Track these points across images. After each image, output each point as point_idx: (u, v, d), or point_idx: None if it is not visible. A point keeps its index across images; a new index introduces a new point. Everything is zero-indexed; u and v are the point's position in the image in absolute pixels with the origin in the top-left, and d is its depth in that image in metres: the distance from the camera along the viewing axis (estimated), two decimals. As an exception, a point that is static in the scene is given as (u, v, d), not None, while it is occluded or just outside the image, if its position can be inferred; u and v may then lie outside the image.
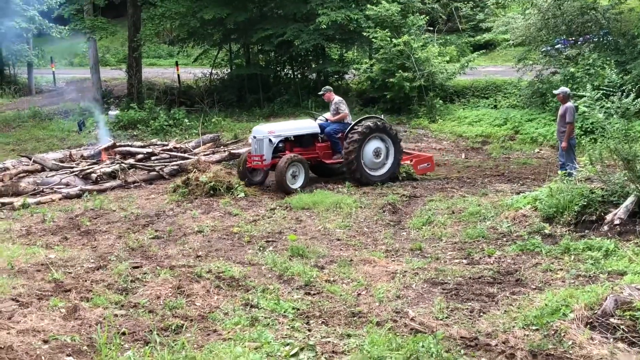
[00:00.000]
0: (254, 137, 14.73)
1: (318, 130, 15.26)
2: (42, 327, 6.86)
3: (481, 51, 27.61)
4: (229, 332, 6.83)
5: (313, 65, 27.39)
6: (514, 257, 9.38)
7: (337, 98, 15.52)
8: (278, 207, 12.96)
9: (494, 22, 25.54)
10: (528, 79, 21.72)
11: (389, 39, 22.70)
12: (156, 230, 11.52)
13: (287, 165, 14.02)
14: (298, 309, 7.59)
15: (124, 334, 6.73)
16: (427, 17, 26.84)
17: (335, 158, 15.10)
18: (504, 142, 19.54)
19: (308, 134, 15.21)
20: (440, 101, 23.23)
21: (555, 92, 14.09)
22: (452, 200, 12.94)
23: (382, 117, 15.87)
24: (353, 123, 14.95)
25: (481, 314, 7.41)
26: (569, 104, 13.44)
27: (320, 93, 16.25)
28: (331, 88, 15.96)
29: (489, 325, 7.02)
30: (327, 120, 15.43)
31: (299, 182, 14.24)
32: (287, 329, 6.97)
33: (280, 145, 14.76)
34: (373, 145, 14.79)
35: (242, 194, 13.82)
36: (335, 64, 26.17)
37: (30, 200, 13.98)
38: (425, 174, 15.68)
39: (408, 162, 15.64)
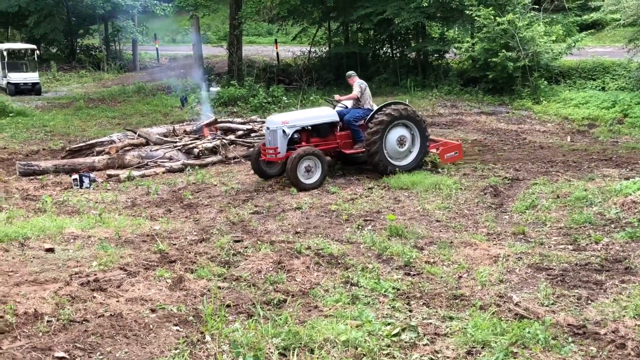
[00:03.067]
0: (267, 128, 13.61)
1: (337, 118, 13.94)
2: (150, 297, 7.04)
3: (588, 31, 26.73)
4: (330, 309, 6.83)
5: (412, 44, 27.11)
6: (623, 245, 8.98)
7: (358, 81, 14.16)
8: (376, 187, 12.90)
9: (603, 1, 24.54)
10: (639, 60, 20.83)
11: (492, 17, 22.24)
12: (256, 206, 11.69)
13: (299, 159, 12.86)
14: (398, 289, 7.51)
15: (228, 306, 6.84)
16: (532, -5, 26.09)
17: (356, 147, 13.89)
18: (612, 126, 18.86)
19: (326, 123, 13.91)
20: (545, 82, 22.70)
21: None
22: (557, 184, 12.53)
23: (407, 102, 14.85)
24: (374, 110, 13.86)
25: (589, 301, 7.14)
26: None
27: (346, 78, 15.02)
28: (354, 73, 14.54)
29: (598, 314, 6.76)
30: (346, 107, 14.26)
31: (315, 177, 13.07)
32: (388, 308, 6.91)
33: (296, 136, 13.52)
34: (397, 133, 13.68)
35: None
36: (436, 43, 25.84)
37: (135, 172, 14.47)
38: (453, 163, 14.69)
39: (434, 150, 14.57)
